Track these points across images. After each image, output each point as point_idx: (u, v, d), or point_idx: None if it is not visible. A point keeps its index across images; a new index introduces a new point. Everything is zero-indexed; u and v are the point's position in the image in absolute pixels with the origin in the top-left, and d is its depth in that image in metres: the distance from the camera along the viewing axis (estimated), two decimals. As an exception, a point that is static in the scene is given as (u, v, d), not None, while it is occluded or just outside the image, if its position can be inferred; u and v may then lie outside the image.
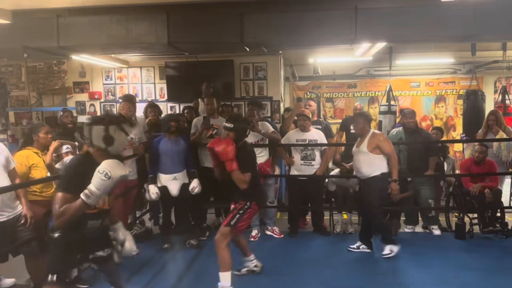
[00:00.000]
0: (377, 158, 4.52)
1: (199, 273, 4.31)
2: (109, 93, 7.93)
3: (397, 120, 7.34)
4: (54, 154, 3.87)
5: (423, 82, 9.99)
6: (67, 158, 3.82)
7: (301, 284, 4.00)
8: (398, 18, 4.85)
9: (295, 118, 5.54)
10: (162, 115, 5.68)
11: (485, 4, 4.25)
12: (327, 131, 5.80)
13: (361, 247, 4.77)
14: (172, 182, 4.79)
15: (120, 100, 7.68)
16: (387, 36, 5.22)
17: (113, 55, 7.12)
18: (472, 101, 7.50)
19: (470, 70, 9.41)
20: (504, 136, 5.60)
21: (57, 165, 3.78)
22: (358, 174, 4.69)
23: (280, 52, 7.54)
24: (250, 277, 4.14)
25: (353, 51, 7.04)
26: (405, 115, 5.64)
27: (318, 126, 5.75)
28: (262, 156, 5.38)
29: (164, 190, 4.80)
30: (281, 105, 7.83)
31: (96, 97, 7.93)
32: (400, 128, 5.67)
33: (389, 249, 4.53)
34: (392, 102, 7.77)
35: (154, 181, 4.77)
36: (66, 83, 7.96)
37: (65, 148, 3.92)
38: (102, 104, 7.95)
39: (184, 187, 4.85)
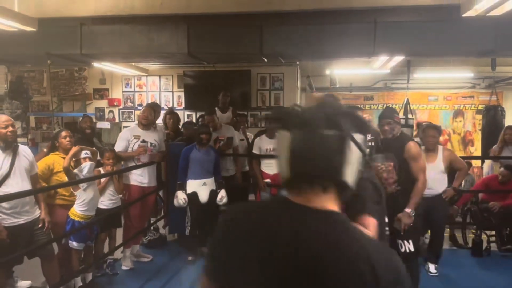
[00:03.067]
0: (446, 174, 4.43)
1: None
2: (128, 100, 8.05)
3: (414, 133, 7.28)
4: (73, 159, 3.94)
5: (442, 96, 9.90)
6: (85, 164, 3.89)
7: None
8: (417, 32, 4.83)
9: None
10: (181, 123, 5.75)
11: (505, 19, 4.21)
12: None
13: (428, 270, 4.51)
14: (202, 187, 4.76)
15: (139, 108, 7.85)
16: (406, 50, 5.20)
17: (133, 63, 7.24)
18: (492, 116, 7.40)
19: (489, 85, 9.28)
20: None
21: (75, 170, 3.85)
22: (427, 192, 4.10)
23: (297, 63, 7.56)
24: None
25: (371, 64, 7.03)
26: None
27: None
28: (274, 166, 5.39)
29: (193, 196, 4.73)
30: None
31: (115, 103, 8.05)
32: None
33: (435, 268, 4.46)
34: (410, 116, 7.71)
35: (182, 187, 4.75)
36: (87, 90, 8.11)
37: (83, 154, 3.99)
38: (120, 110, 8.06)
39: (213, 194, 4.85)
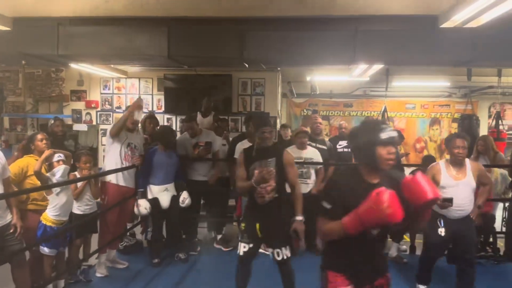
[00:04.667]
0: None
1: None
2: (106, 103, 7.91)
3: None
4: (45, 163, 3.84)
5: (419, 104, 10.11)
6: (59, 168, 3.79)
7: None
8: (396, 42, 4.91)
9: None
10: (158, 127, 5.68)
11: (482, 31, 4.32)
12: (330, 152, 5.79)
13: None
14: (163, 193, 4.76)
15: (117, 110, 7.73)
16: (385, 59, 5.27)
17: (112, 65, 7.12)
18: (467, 125, 7.57)
19: (465, 95, 9.55)
20: (499, 174, 5.54)
21: (48, 174, 3.75)
22: (456, 214, 3.81)
23: (279, 68, 7.59)
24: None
25: (351, 71, 7.10)
26: None
27: (323, 147, 5.73)
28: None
29: (155, 202, 4.74)
30: (278, 121, 7.85)
31: (92, 106, 7.91)
32: None
33: None
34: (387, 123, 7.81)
35: (145, 195, 4.71)
36: (64, 91, 7.94)
37: (56, 157, 3.89)
38: (98, 113, 7.92)
39: (174, 199, 4.84)
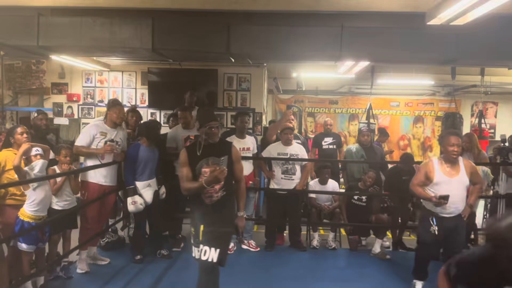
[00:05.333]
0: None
1: (170, 285, 4.20)
2: (88, 96, 7.75)
3: (375, 138, 7.42)
4: (23, 157, 3.73)
5: (403, 102, 10.19)
6: (37, 162, 3.68)
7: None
8: (383, 39, 4.90)
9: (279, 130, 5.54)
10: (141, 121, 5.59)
11: (467, 29, 4.34)
12: (305, 146, 5.85)
13: None
14: (147, 189, 4.68)
15: (100, 104, 7.58)
16: (371, 56, 5.27)
17: (94, 58, 6.97)
18: (450, 123, 7.66)
19: (449, 93, 9.65)
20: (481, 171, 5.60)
21: (26, 168, 3.64)
22: (449, 211, 3.81)
23: (265, 64, 7.54)
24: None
25: (336, 68, 7.10)
26: (362, 133, 5.90)
27: (298, 141, 5.76)
28: (244, 167, 5.33)
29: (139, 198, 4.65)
30: (264, 117, 7.81)
31: (74, 99, 7.74)
32: (357, 145, 5.95)
33: None
34: (372, 120, 7.86)
35: (135, 191, 4.59)
36: (44, 84, 7.75)
37: (34, 151, 3.79)
38: (80, 106, 7.76)
39: (157, 194, 4.78)
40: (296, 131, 6.19)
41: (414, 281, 4.14)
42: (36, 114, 4.70)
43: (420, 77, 8.69)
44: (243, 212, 3.31)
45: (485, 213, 6.03)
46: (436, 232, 3.80)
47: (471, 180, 3.87)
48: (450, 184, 3.74)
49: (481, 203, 6.30)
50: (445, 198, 3.67)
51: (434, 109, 10.11)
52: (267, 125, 7.76)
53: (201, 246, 3.09)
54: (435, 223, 3.80)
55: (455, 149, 3.71)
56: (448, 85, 9.21)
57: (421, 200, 3.97)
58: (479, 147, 5.76)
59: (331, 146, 6.32)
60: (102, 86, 7.75)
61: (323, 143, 6.35)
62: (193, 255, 3.24)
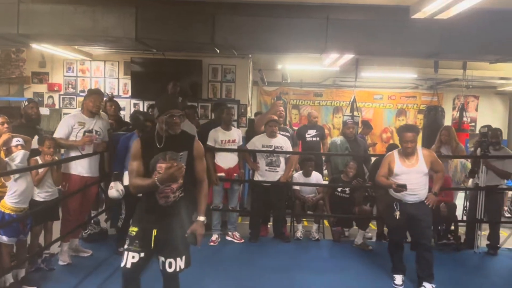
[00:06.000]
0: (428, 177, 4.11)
1: (154, 277, 4.18)
2: (70, 86, 7.61)
3: (359, 130, 7.47)
4: (4, 148, 3.65)
5: (386, 95, 10.29)
6: (18, 153, 3.61)
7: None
8: (368, 31, 4.92)
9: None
10: (120, 111, 5.50)
11: (451, 23, 4.39)
12: (293, 140, 5.87)
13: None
14: None
15: (81, 94, 7.44)
16: (356, 49, 5.30)
17: (76, 47, 6.83)
18: (433, 116, 7.74)
19: (431, 86, 9.78)
20: (459, 163, 5.72)
21: (7, 159, 3.56)
22: (410, 198, 4.02)
23: (250, 55, 7.50)
24: (207, 282, 4.06)
25: (321, 61, 7.11)
26: (347, 125, 5.97)
27: (286, 134, 5.78)
28: (229, 159, 5.34)
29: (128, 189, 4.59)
30: (248, 109, 7.79)
31: (55, 89, 7.58)
32: (342, 137, 6.00)
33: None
34: (356, 113, 7.91)
35: (119, 177, 4.48)
36: (24, 73, 7.57)
37: (15, 141, 3.71)
38: (61, 96, 7.61)
39: None
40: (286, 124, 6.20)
41: (394, 275, 4.24)
42: (26, 103, 4.58)
43: (403, 70, 8.78)
44: (203, 217, 2.83)
45: (465, 205, 6.14)
46: (398, 217, 4.04)
47: (432, 168, 4.09)
48: (409, 174, 3.99)
49: (461, 195, 6.43)
50: (403, 186, 3.92)
51: (417, 102, 10.24)
52: (253, 117, 7.75)
53: (161, 258, 2.74)
54: (398, 208, 4.05)
55: (409, 145, 3.96)
56: (431, 78, 9.31)
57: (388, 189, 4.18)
58: (457, 140, 5.88)
59: (314, 139, 6.35)
60: (84, 76, 7.62)
61: (306, 135, 6.38)
62: (124, 263, 2.71)
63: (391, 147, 5.63)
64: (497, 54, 5.14)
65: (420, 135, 8.99)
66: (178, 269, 2.75)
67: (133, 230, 2.75)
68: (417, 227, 4.06)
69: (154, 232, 2.69)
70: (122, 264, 2.71)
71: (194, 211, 2.90)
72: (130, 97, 7.45)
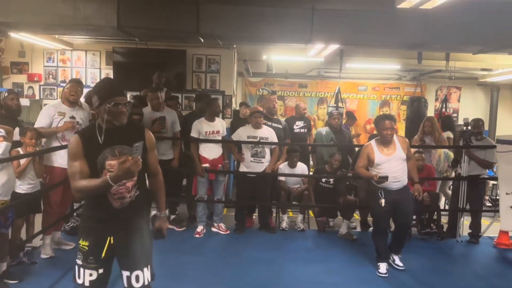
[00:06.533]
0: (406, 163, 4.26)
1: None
2: (50, 76, 7.43)
3: (344, 121, 7.50)
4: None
5: (370, 86, 10.34)
6: (0, 144, 3.51)
7: (241, 280, 3.96)
8: (353, 22, 4.91)
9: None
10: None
11: (435, 13, 4.40)
12: (286, 131, 5.89)
13: (393, 263, 4.38)
14: None
15: (62, 84, 7.27)
16: (342, 39, 5.28)
17: (56, 36, 6.66)
18: (416, 107, 7.82)
19: (414, 78, 9.86)
20: (443, 152, 5.80)
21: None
22: (394, 185, 4.12)
23: (235, 46, 7.44)
24: (193, 273, 4.05)
25: (306, 51, 7.09)
26: (332, 116, 6.01)
27: (279, 126, 5.79)
28: (214, 150, 5.30)
29: None
30: (233, 100, 7.74)
31: (35, 79, 7.40)
32: (327, 128, 6.01)
33: (400, 259, 4.36)
34: (340, 104, 7.93)
35: None
36: (3, 63, 7.36)
37: (-4, 132, 3.61)
38: (41, 87, 7.44)
39: None
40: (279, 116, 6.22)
41: (378, 263, 4.29)
42: (6, 94, 4.44)
43: (387, 61, 8.81)
44: (164, 211, 2.62)
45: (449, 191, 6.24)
46: (383, 204, 4.13)
47: (406, 154, 4.23)
48: (390, 162, 4.12)
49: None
50: (384, 178, 4.03)
51: (400, 93, 10.32)
52: (238, 108, 7.71)
53: (125, 272, 2.35)
54: (383, 196, 4.14)
55: (389, 132, 4.10)
56: (414, 70, 9.39)
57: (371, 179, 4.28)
58: (440, 130, 5.97)
59: (302, 130, 6.36)
60: (65, 66, 7.45)
61: (294, 126, 6.38)
62: (81, 281, 2.31)
63: (374, 137, 5.70)
64: (480, 45, 5.20)
65: (403, 125, 9.14)
66: (146, 282, 2.38)
67: (83, 244, 2.31)
68: (400, 210, 4.18)
69: (110, 240, 2.30)
70: (80, 282, 2.31)
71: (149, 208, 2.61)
72: (113, 88, 7.32)
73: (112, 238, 2.31)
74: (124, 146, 2.27)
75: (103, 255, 2.29)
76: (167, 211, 2.33)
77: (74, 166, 2.25)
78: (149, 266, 2.41)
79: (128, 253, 2.34)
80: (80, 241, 2.33)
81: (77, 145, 2.26)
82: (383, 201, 4.13)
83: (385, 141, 4.17)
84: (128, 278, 2.34)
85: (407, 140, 4.42)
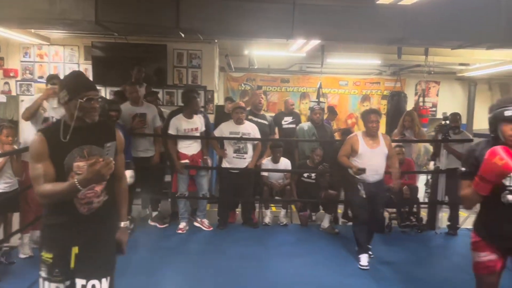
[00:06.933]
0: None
1: (120, 267, 4.09)
2: (27, 72, 7.26)
3: (325, 116, 7.54)
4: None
5: (351, 81, 10.42)
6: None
7: (225, 276, 3.96)
8: (334, 17, 4.92)
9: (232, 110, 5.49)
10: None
11: (414, 9, 4.45)
12: (271, 127, 5.89)
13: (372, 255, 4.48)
14: None
15: (39, 80, 7.12)
16: (322, 34, 5.29)
17: (32, 31, 6.50)
18: (396, 101, 7.92)
19: (394, 72, 9.97)
20: (423, 147, 5.91)
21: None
22: (372, 178, 4.27)
23: (216, 41, 7.38)
24: (176, 270, 4.03)
25: (288, 46, 7.08)
26: (314, 111, 6.04)
27: (264, 121, 5.78)
28: (192, 146, 5.27)
29: None
30: (215, 95, 7.69)
31: (11, 74, 7.21)
32: (309, 123, 6.03)
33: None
34: (322, 99, 7.97)
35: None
36: (-23, 57, 7.17)
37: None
38: (18, 82, 7.26)
39: None
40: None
41: (359, 256, 4.34)
42: None
43: (367, 56, 8.88)
44: (126, 222, 2.41)
45: (426, 188, 6.35)
46: (364, 196, 4.26)
47: (388, 151, 4.39)
48: (372, 154, 4.28)
49: (423, 177, 6.64)
50: (362, 170, 4.21)
51: (380, 88, 10.42)
52: (220, 103, 7.67)
53: (81, 281, 2.13)
54: (362, 188, 4.27)
55: (374, 125, 4.28)
56: (394, 64, 9.50)
57: (349, 170, 4.40)
58: (419, 125, 6.06)
59: (291, 126, 6.37)
60: (42, 61, 7.28)
61: (283, 122, 6.39)
62: None
63: (346, 131, 5.93)
64: (459, 40, 5.27)
65: (384, 119, 9.24)
66: None
67: (47, 257, 2.11)
68: (375, 200, 4.31)
69: (75, 250, 2.12)
70: None
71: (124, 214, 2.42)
72: (92, 83, 7.19)
73: (77, 247, 2.12)
74: (93, 146, 2.11)
75: (72, 265, 2.11)
76: (127, 223, 2.20)
77: (37, 168, 2.04)
78: (108, 278, 2.19)
79: (88, 261, 2.14)
80: (43, 253, 2.12)
81: (41, 144, 2.05)
82: (363, 192, 4.26)
83: (370, 134, 4.32)
84: (83, 287, 2.13)
85: (389, 138, 4.59)
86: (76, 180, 1.93)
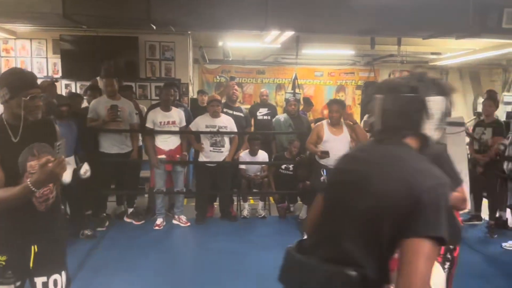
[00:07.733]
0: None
1: (96, 266, 4.01)
2: (-8, 67, 6.99)
3: (301, 107, 7.55)
4: None
5: (326, 72, 10.46)
6: None
7: (204, 271, 3.93)
8: (307, 8, 4.90)
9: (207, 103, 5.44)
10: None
11: (386, 1, 4.48)
12: (247, 120, 5.86)
13: None
14: None
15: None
16: (296, 26, 5.27)
17: (-3, 24, 6.24)
18: (370, 91, 7.96)
19: (368, 63, 10.06)
20: None
21: None
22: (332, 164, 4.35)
23: (189, 32, 7.26)
24: (154, 267, 3.97)
25: (263, 38, 7.03)
26: (289, 102, 6.11)
27: (240, 114, 5.74)
28: (170, 141, 5.19)
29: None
30: (190, 88, 7.59)
31: (-25, 70, 6.94)
32: (285, 115, 6.06)
33: None
34: (297, 90, 7.97)
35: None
36: None
37: None
38: (-17, 78, 6.97)
39: (76, 173, 4.46)
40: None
41: None
42: None
43: (341, 47, 8.91)
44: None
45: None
46: (325, 181, 4.32)
47: (355, 133, 4.76)
48: (335, 141, 4.69)
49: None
50: (326, 153, 4.62)
51: (355, 78, 10.50)
52: (195, 96, 7.58)
53: (41, 278, 2.09)
54: (325, 173, 4.59)
55: (334, 114, 4.80)
56: (368, 55, 9.56)
57: (315, 156, 4.84)
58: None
59: (266, 117, 6.34)
60: (8, 56, 7.02)
61: (258, 113, 6.36)
62: None
63: (319, 120, 6.00)
64: (429, 30, 5.34)
65: (359, 109, 9.33)
66: (64, 287, 2.16)
67: (0, 260, 2.01)
68: None
69: (34, 249, 2.07)
70: None
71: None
72: (61, 78, 6.98)
73: (36, 245, 2.07)
74: (42, 143, 2.05)
75: (31, 265, 2.06)
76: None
77: None
78: (66, 272, 2.20)
79: (47, 257, 2.10)
80: None
81: None
82: (325, 178, 4.52)
83: (333, 123, 4.81)
84: (45, 284, 2.09)
85: (356, 124, 4.95)
86: (29, 182, 1.84)
